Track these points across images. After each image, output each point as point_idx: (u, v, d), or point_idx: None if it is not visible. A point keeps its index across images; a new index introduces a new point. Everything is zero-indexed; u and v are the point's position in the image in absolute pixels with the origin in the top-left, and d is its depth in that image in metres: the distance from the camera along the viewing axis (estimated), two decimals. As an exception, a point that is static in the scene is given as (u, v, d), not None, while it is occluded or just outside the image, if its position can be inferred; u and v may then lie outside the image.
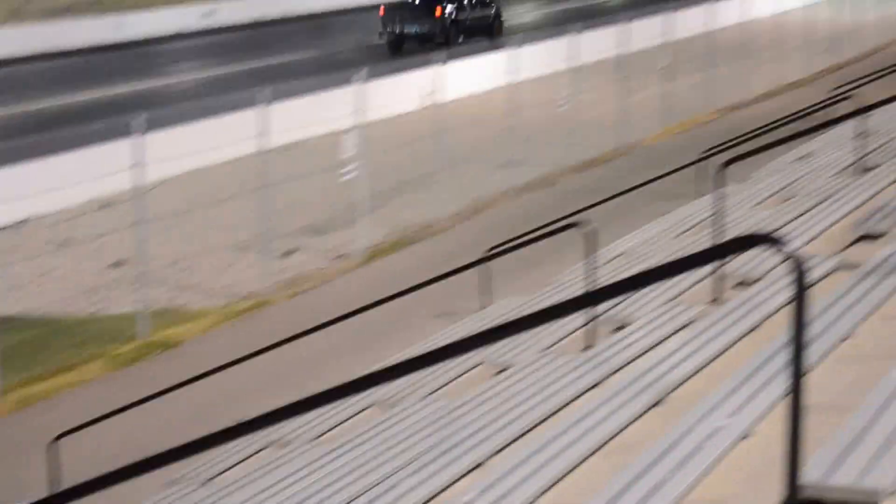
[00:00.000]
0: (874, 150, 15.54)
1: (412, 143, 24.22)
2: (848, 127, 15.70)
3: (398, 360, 5.78)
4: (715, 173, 10.02)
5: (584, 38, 27.52)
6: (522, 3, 52.75)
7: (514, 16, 47.66)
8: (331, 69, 32.34)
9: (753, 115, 28.98)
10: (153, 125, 17.76)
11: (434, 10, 41.16)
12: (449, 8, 41.46)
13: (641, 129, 27.99)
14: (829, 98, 21.96)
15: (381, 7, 41.65)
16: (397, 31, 41.20)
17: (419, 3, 41.48)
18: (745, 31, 34.08)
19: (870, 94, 25.10)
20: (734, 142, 20.37)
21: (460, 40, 40.76)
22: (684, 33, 32.13)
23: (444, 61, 24.89)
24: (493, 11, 43.72)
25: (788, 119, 20.71)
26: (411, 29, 41.22)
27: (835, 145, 18.70)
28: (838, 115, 15.29)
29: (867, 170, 13.66)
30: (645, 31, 30.17)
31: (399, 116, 27.59)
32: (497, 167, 24.34)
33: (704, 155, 19.22)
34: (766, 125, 21.67)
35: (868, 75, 26.89)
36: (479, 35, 41.87)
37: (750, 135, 20.56)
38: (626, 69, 28.29)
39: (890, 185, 11.46)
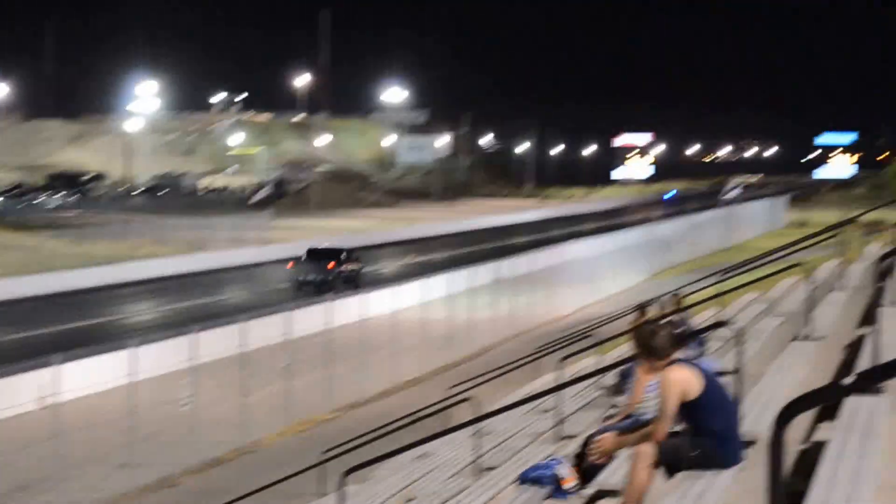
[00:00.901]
0: (490, 449, 16.22)
1: (26, 447, 23.27)
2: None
3: None
4: (338, 479, 10.23)
5: (207, 336, 27.67)
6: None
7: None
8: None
9: (373, 413, 29.69)
10: None
11: (327, 264, 55.76)
12: (335, 263, 55.95)
13: (264, 427, 28.07)
14: (447, 398, 22.88)
15: (290, 262, 57.22)
16: (299, 278, 55.49)
17: (314, 257, 56.57)
18: (365, 328, 35.17)
19: (484, 392, 26.37)
20: (354, 443, 20.78)
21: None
22: (305, 331, 32.86)
23: (62, 361, 24.41)
24: (359, 266, 58.02)
25: (409, 420, 21.31)
26: (310, 277, 55.27)
27: (452, 444, 19.39)
28: (455, 418, 15.94)
29: (483, 470, 14.22)
30: (266, 329, 30.68)
31: (12, 419, 26.47)
32: (115, 468, 23.70)
33: (324, 458, 19.54)
34: (386, 424, 22.24)
35: (482, 374, 28.22)
36: (349, 284, 53.64)
37: (371, 435, 21.04)
38: (248, 367, 28.51)
39: (508, 486, 11.97)
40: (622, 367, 12.87)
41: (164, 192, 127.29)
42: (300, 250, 58.91)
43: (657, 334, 8.31)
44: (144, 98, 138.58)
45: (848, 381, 4.31)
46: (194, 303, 51.16)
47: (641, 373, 10.52)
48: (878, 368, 4.54)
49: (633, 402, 10.78)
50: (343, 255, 56.97)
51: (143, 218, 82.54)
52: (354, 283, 53.75)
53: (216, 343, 28.86)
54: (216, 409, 27.18)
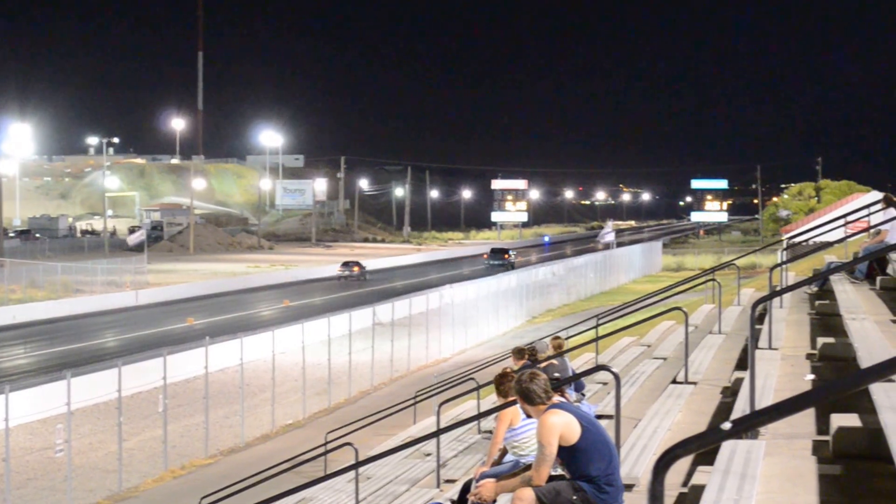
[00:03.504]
0: (370, 494, 16.13)
1: None
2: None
3: None
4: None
5: (83, 380, 27.15)
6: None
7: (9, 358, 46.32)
8: None
9: (253, 458, 29.37)
10: None
11: (504, 255, 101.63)
12: (508, 255, 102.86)
13: (141, 473, 27.61)
14: (326, 443, 22.77)
15: (485, 254, 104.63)
16: (491, 263, 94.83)
17: (497, 252, 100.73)
18: (244, 372, 34.78)
19: (364, 437, 26.28)
20: (233, 489, 20.53)
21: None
22: (185, 375, 32.41)
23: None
24: (515, 258, 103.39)
25: (289, 465, 21.15)
26: (496, 262, 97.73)
27: (332, 489, 19.26)
28: (335, 463, 15.85)
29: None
30: (144, 374, 30.24)
31: None
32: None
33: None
34: (265, 469, 22.00)
35: (362, 418, 28.12)
36: (512, 268, 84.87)
37: (250, 480, 20.81)
38: (126, 412, 28.03)
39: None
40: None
41: (38, 235, 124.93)
42: (177, 294, 57.73)
43: (536, 379, 8.35)
44: (17, 141, 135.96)
45: (726, 426, 4.36)
46: (70, 347, 50.18)
47: (505, 416, 10.59)
48: (755, 414, 4.62)
49: (496, 443, 10.83)
50: (510, 252, 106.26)
51: (18, 261, 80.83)
52: (513, 266, 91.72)
53: (93, 388, 28.33)
54: (93, 454, 26.65)
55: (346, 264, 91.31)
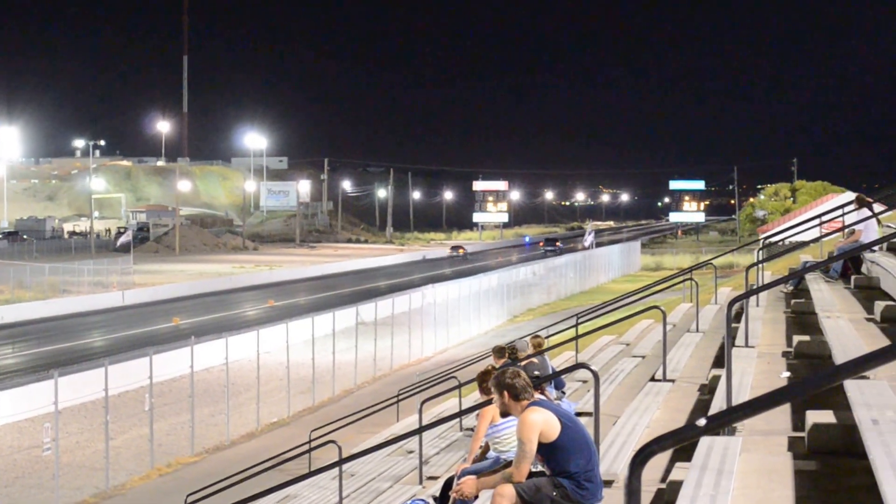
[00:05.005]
0: (353, 491, 16.11)
1: None
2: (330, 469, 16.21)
3: None
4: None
5: (70, 379, 27.04)
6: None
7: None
8: None
9: (238, 456, 29.31)
10: None
11: (556, 242, 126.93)
12: (560, 242, 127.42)
13: (128, 471, 27.52)
14: (310, 441, 22.72)
15: (541, 242, 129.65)
16: (546, 250, 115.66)
17: (550, 240, 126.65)
18: (230, 371, 34.70)
19: (347, 435, 26.23)
20: (218, 486, 20.48)
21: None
22: (171, 374, 32.31)
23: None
24: (561, 245, 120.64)
25: (274, 463, 21.10)
26: (549, 249, 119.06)
27: (316, 486, 19.23)
28: (319, 460, 15.82)
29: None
30: (131, 373, 30.13)
31: None
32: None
33: (189, 502, 19.22)
34: (251, 467, 21.95)
35: (345, 416, 28.07)
36: (558, 252, 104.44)
37: (236, 477, 20.77)
38: (113, 410, 27.94)
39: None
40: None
41: (26, 236, 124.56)
42: (162, 294, 57.52)
43: (517, 376, 8.34)
44: (4, 144, 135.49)
45: (701, 422, 4.35)
46: (58, 347, 50.00)
47: (487, 413, 10.60)
48: (730, 410, 4.61)
49: (477, 439, 10.84)
50: (558, 241, 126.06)
51: (5, 262, 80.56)
52: (560, 252, 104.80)
53: (80, 387, 28.22)
54: (80, 453, 26.54)
55: (454, 248, 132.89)
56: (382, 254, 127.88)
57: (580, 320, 23.27)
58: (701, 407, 11.86)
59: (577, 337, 21.21)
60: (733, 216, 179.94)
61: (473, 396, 20.94)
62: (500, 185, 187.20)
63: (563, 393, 16.03)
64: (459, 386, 21.85)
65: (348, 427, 26.98)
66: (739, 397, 9.30)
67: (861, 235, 17.39)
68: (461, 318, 55.76)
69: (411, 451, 18.64)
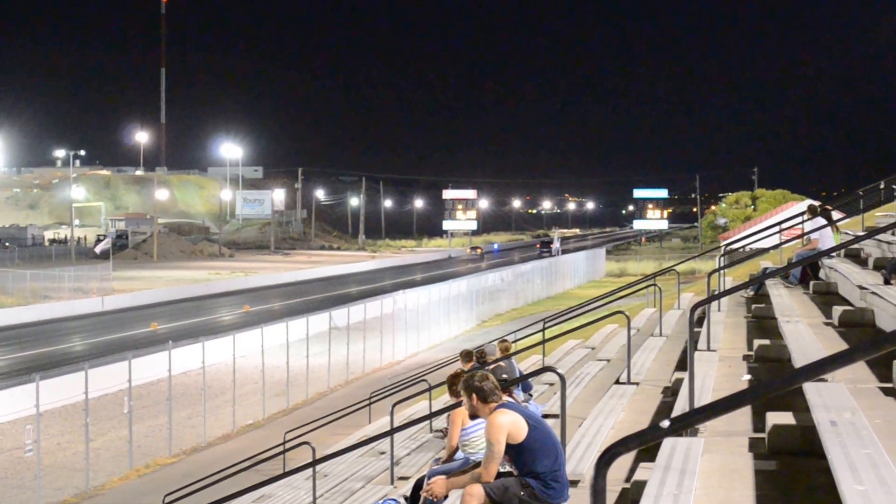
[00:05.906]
0: (327, 491, 16.03)
1: None
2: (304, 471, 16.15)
3: None
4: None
5: (51, 383, 26.87)
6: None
7: None
8: None
9: (214, 457, 29.17)
10: None
11: (550, 244, 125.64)
12: (552, 244, 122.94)
13: (108, 472, 27.36)
14: (284, 442, 22.61)
15: (538, 244, 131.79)
16: (542, 252, 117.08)
17: (545, 244, 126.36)
18: (206, 374, 34.56)
19: (320, 436, 26.13)
20: (195, 486, 20.36)
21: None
22: (149, 378, 32.12)
23: None
24: (560, 246, 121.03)
25: (249, 464, 20.99)
26: (545, 252, 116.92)
27: (290, 487, 19.14)
28: (294, 461, 15.74)
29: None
30: (109, 377, 29.95)
31: None
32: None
33: (167, 502, 19.09)
34: (227, 468, 21.84)
35: (319, 418, 27.98)
36: (552, 254, 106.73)
37: (212, 478, 20.65)
38: (92, 413, 27.77)
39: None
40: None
41: (7, 244, 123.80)
42: (141, 300, 57.24)
43: (485, 380, 8.32)
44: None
45: (665, 424, 4.34)
46: (39, 351, 49.69)
47: (458, 416, 10.58)
48: (693, 412, 4.60)
49: (451, 443, 10.83)
50: (554, 244, 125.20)
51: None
52: (552, 253, 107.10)
53: (61, 390, 28.04)
54: (61, 454, 26.37)
55: (473, 248, 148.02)
56: (355, 260, 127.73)
57: (547, 325, 23.27)
58: (664, 409, 11.86)
59: (543, 341, 21.20)
60: (696, 224, 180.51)
61: (443, 399, 20.89)
62: (469, 193, 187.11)
63: (531, 395, 16.02)
64: (430, 389, 21.82)
65: (322, 429, 26.89)
66: (702, 400, 9.30)
67: (818, 243, 17.47)
68: (432, 323, 55.69)
69: (383, 452, 18.57)
